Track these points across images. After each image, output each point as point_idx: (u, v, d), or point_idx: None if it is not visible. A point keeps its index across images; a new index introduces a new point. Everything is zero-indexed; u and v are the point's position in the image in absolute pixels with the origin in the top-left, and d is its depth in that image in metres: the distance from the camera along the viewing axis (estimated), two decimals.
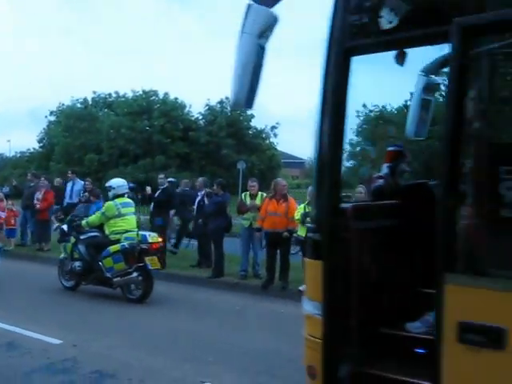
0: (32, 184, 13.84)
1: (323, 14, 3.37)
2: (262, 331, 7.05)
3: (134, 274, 8.51)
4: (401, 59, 3.60)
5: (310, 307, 3.45)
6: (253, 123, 41.13)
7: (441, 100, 6.60)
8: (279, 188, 9.80)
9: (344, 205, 3.54)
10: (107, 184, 9.42)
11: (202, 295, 9.37)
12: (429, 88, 4.84)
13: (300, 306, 3.67)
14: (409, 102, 7.07)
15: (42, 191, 13.03)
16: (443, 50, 3.49)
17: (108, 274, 8.64)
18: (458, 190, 2.77)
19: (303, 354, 3.55)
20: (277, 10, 3.29)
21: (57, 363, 5.63)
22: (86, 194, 12.23)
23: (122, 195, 9.14)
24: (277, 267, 9.67)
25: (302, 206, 9.26)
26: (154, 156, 37.20)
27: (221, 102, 39.58)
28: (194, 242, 12.40)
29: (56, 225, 11.74)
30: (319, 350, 3.32)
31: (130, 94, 42.02)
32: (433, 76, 4.86)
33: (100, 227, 9.14)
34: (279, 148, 44.46)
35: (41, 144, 45.99)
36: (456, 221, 2.76)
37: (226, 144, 37.79)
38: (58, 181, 14.92)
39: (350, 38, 3.23)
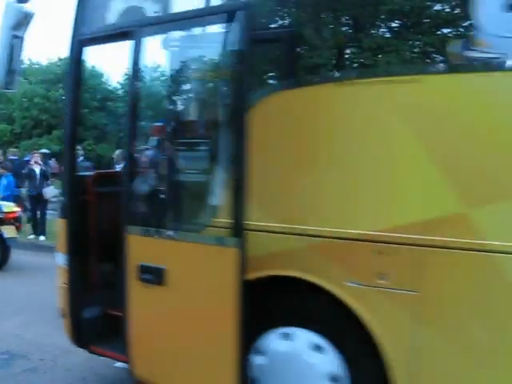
0: None
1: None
2: None
3: None
4: None
5: (61, 259, 4.10)
6: None
7: None
8: None
9: (87, 173, 4.19)
10: None
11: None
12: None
13: None
14: None
15: None
16: None
17: None
18: (135, 163, 3.48)
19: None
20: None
21: None
22: None
23: None
24: None
25: None
26: None
27: None
28: None
29: None
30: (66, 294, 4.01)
31: (45, 63, 40.73)
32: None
33: None
34: None
35: None
36: (134, 187, 3.47)
37: None
38: None
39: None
